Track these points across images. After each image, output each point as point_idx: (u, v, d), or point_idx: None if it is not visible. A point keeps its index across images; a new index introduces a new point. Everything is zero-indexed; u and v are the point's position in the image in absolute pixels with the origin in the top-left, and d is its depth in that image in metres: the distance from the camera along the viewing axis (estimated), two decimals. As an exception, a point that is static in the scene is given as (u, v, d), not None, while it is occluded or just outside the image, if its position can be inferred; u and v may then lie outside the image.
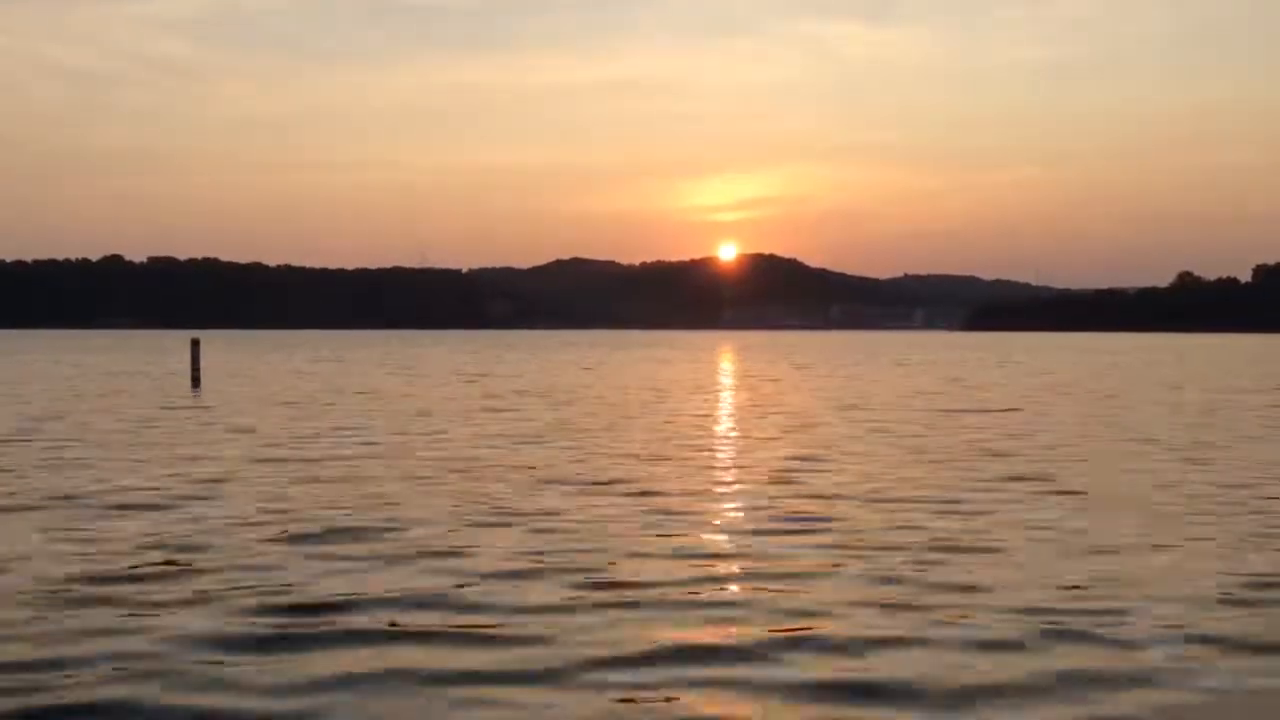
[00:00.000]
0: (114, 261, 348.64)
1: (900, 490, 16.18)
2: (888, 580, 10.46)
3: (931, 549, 11.92)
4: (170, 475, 17.68)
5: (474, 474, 17.88)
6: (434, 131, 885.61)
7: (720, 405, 35.70)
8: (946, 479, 17.42)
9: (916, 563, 11.22)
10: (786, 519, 13.80)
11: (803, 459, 20.07)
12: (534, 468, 18.70)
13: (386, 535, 12.67)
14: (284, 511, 14.24)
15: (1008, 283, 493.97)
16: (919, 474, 18.02)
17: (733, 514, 14.29)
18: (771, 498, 15.52)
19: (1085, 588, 10.27)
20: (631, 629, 8.86)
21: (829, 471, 18.32)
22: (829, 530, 13.02)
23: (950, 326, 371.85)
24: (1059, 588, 10.23)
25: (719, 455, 21.04)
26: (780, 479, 17.42)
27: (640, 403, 35.87)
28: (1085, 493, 16.11)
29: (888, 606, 9.49)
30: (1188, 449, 22.08)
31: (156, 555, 11.57)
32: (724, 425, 27.85)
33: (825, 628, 8.85)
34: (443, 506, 14.62)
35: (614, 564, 11.16)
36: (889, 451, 21.39)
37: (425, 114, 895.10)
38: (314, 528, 13.07)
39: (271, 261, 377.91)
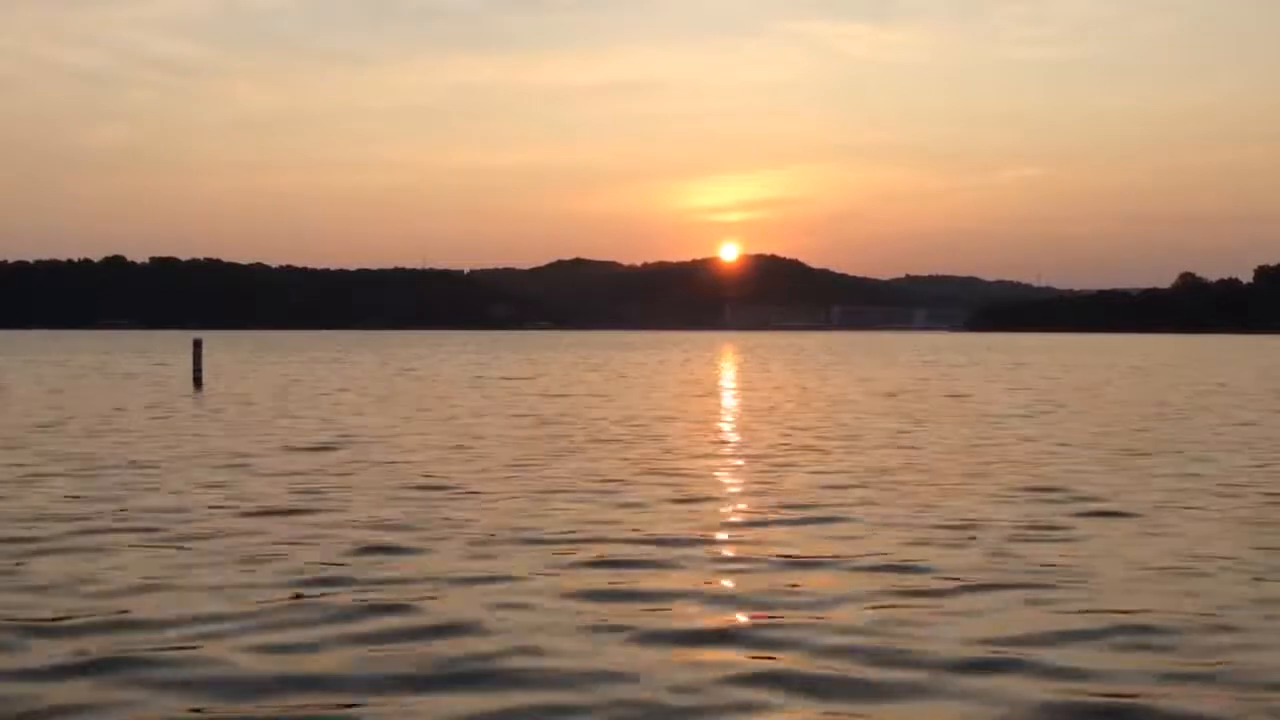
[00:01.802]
0: (116, 262, 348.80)
1: None
2: None
3: None
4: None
5: None
6: (435, 132, 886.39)
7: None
8: None
9: None
10: None
11: None
12: None
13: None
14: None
15: (1009, 284, 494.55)
16: None
17: None
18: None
19: None
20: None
21: None
22: None
23: (952, 327, 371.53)
24: None
25: None
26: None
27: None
28: None
29: None
30: None
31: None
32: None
33: None
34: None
35: None
36: None
37: (426, 114, 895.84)
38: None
39: (273, 262, 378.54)
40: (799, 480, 16.84)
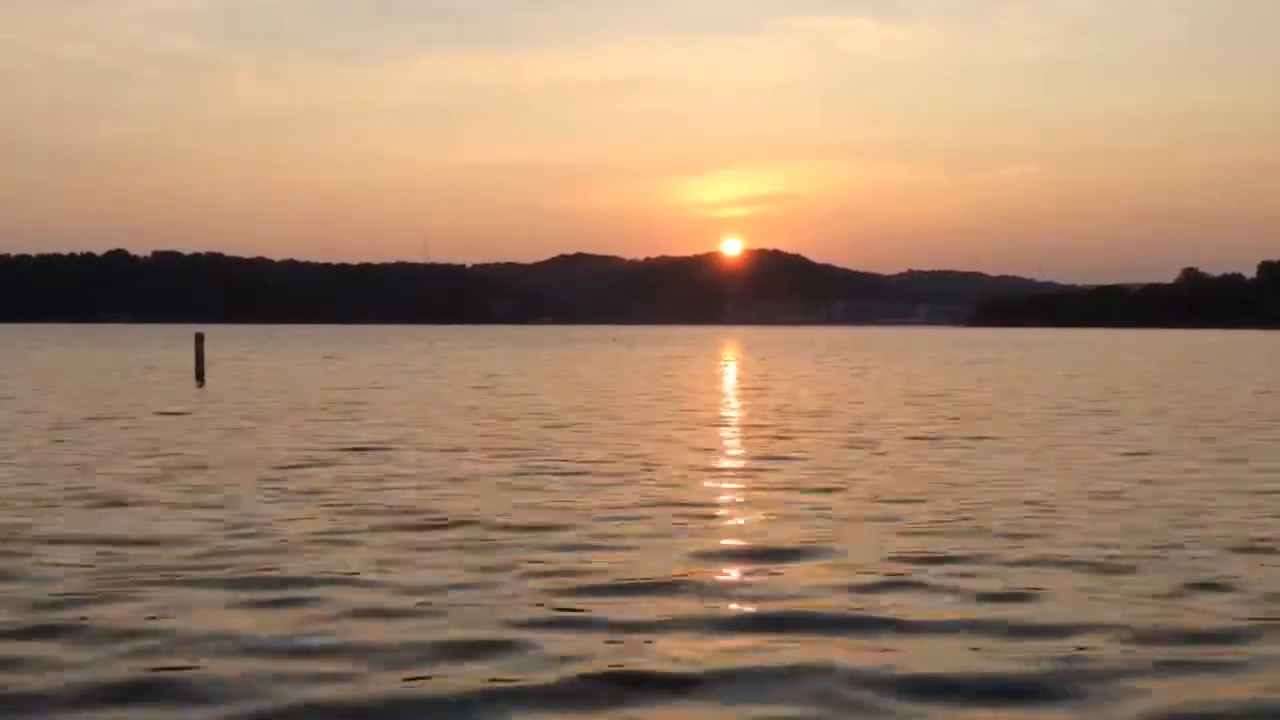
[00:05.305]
0: (118, 256, 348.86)
1: None
2: None
3: None
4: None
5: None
6: (438, 128, 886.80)
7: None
8: None
9: None
10: None
11: None
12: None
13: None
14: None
15: (1012, 279, 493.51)
16: None
17: None
18: None
19: None
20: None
21: None
22: None
23: (954, 323, 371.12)
24: None
25: None
26: None
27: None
28: None
29: None
30: None
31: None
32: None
33: None
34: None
35: None
36: None
37: (429, 111, 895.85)
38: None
39: (275, 256, 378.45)
40: None
